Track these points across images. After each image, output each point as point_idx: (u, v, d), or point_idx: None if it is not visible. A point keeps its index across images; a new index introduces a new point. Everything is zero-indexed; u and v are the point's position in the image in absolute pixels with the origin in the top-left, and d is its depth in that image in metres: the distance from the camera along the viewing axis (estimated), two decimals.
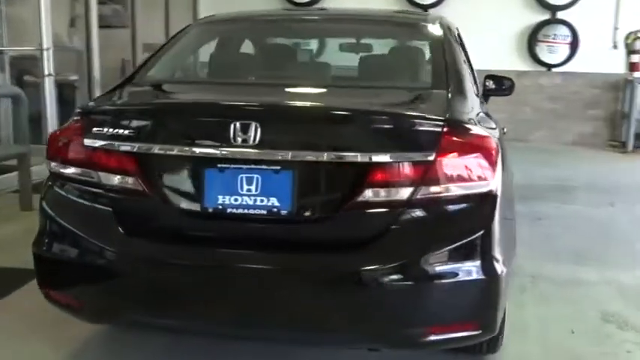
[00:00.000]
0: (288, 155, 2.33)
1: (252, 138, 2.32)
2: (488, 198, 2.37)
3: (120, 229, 2.45)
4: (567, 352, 3.18)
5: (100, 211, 2.50)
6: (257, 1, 9.10)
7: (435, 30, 3.33)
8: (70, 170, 2.56)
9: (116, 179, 2.47)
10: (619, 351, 3.19)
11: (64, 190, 2.60)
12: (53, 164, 2.62)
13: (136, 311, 2.50)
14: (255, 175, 2.36)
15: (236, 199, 2.37)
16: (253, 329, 2.42)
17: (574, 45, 9.19)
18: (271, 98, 2.69)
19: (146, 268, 2.43)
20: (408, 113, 2.52)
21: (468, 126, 2.41)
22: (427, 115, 2.41)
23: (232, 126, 2.33)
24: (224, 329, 2.48)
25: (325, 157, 2.33)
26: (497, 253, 2.37)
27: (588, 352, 3.18)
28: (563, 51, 9.25)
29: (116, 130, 2.47)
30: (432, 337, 2.38)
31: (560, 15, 9.23)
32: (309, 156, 2.34)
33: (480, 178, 2.34)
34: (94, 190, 2.51)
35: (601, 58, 9.15)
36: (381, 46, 3.85)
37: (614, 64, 9.20)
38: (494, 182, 2.36)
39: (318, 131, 2.40)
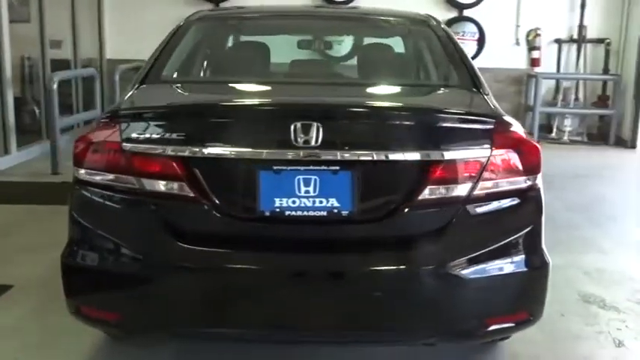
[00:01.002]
0: (349, 155, 2.33)
1: (313, 139, 2.30)
2: (536, 191, 2.49)
3: (168, 236, 2.36)
4: (566, 332, 3.40)
5: (143, 218, 2.40)
6: None
7: (442, 29, 3.43)
8: (105, 177, 2.43)
9: (162, 185, 2.38)
10: (610, 329, 3.46)
11: (99, 198, 2.46)
12: (82, 171, 2.46)
13: (185, 322, 2.42)
14: (313, 177, 2.35)
15: (294, 202, 2.35)
16: (317, 332, 2.41)
17: (481, 41, 9.66)
18: (330, 98, 2.67)
19: (200, 276, 2.36)
20: (464, 112, 2.59)
21: (513, 123, 2.52)
22: (481, 114, 2.50)
23: (293, 127, 2.30)
24: (286, 335, 2.46)
25: (384, 156, 2.35)
26: (544, 243, 2.50)
27: (585, 331, 3.44)
28: (471, 47, 9.70)
29: (161, 134, 2.36)
30: (490, 328, 2.48)
31: (467, 13, 9.67)
32: (369, 156, 2.35)
33: (528, 172, 2.46)
34: (135, 196, 2.39)
35: (505, 54, 9.69)
36: (397, 44, 3.89)
37: (517, 59, 9.79)
38: (539, 175, 2.48)
39: (377, 130, 2.43)
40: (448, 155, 2.36)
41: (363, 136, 2.40)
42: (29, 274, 4.03)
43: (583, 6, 9.47)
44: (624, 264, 4.47)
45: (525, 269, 2.45)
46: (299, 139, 2.31)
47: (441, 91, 3.00)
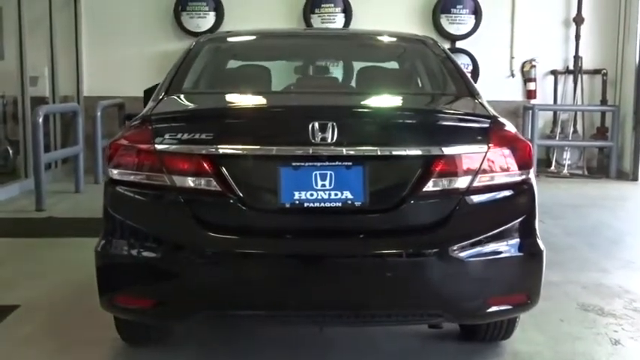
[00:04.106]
0: (361, 152, 2.90)
1: (329, 137, 2.85)
2: (529, 184, 3.06)
3: (198, 227, 2.88)
4: (567, 335, 3.92)
5: (175, 211, 2.92)
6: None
7: (440, 47, 4.07)
8: (138, 175, 2.95)
9: (192, 181, 2.90)
10: (608, 331, 3.99)
11: (133, 195, 2.98)
12: (117, 171, 2.99)
13: (215, 305, 2.92)
14: (329, 172, 2.90)
15: (312, 194, 2.89)
16: (332, 312, 2.92)
17: (475, 73, 10.36)
18: (343, 101, 3.24)
19: (228, 262, 2.88)
20: (463, 112, 3.18)
21: (506, 123, 3.10)
22: (478, 114, 3.08)
23: (311, 126, 2.85)
24: (305, 314, 2.96)
25: (392, 152, 2.92)
26: (537, 231, 3.05)
27: (584, 333, 3.95)
28: None
29: (192, 134, 2.90)
30: (492, 309, 3.01)
31: (459, 44, 10.41)
32: (379, 152, 2.92)
33: (521, 167, 3.03)
34: (167, 192, 2.92)
35: (500, 86, 10.39)
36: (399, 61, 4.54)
37: (513, 91, 10.50)
38: (532, 170, 3.06)
39: (386, 129, 3.01)
40: (449, 151, 2.93)
41: (373, 135, 2.98)
42: (34, 295, 4.49)
43: (578, 37, 10.25)
44: (622, 280, 5.01)
45: (522, 254, 2.99)
46: (317, 137, 2.86)
47: (441, 98, 3.60)
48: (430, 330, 3.54)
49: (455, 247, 2.87)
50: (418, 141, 2.96)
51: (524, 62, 10.46)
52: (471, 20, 10.31)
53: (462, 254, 2.88)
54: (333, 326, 3.48)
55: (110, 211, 3.02)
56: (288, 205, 2.89)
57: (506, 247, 2.97)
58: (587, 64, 10.37)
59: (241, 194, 2.89)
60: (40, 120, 7.22)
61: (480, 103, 3.39)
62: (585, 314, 4.26)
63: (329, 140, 2.87)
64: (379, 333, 3.80)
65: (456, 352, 3.68)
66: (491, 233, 2.94)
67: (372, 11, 10.14)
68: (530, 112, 10.07)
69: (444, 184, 2.93)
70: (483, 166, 2.95)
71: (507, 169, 3.00)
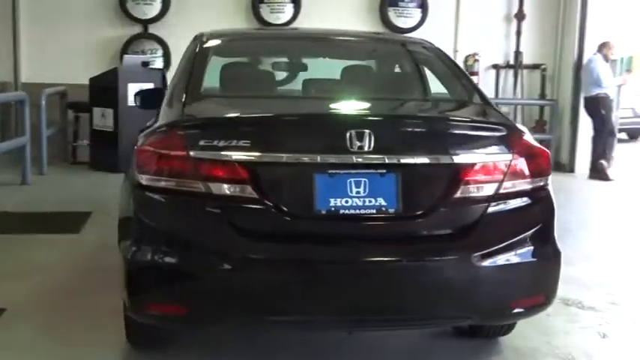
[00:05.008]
0: (395, 159, 2.97)
1: (367, 145, 2.92)
2: (548, 190, 3.21)
3: (234, 233, 2.90)
4: (557, 329, 4.13)
5: (210, 218, 2.93)
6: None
7: (442, 52, 4.16)
8: (171, 182, 2.94)
9: (228, 188, 2.91)
10: (593, 325, 4.23)
11: (165, 201, 2.97)
12: (147, 176, 2.96)
13: (249, 311, 2.95)
14: (363, 179, 2.97)
15: (347, 201, 2.94)
16: (368, 317, 3.00)
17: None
18: (377, 109, 3.30)
19: (264, 269, 2.91)
20: (489, 121, 3.29)
21: (525, 131, 3.24)
22: (503, 123, 3.21)
23: (348, 134, 2.91)
24: (340, 320, 3.02)
25: (425, 159, 3.01)
26: (556, 235, 3.22)
27: (570, 327, 4.18)
28: None
29: (228, 141, 2.90)
30: (515, 310, 3.16)
31: None
32: (411, 159, 3.01)
33: (541, 174, 3.18)
34: (202, 199, 2.92)
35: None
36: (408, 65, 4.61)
37: None
38: (550, 177, 3.21)
39: (418, 137, 3.09)
40: (477, 158, 3.06)
41: (407, 143, 3.07)
42: (17, 299, 4.36)
43: (519, 32, 10.62)
44: (590, 273, 5.26)
45: (544, 257, 3.15)
46: (354, 145, 2.92)
47: (463, 106, 3.70)
48: (435, 329, 3.68)
49: (485, 252, 2.99)
50: (449, 149, 3.06)
51: (468, 56, 10.74)
52: (417, 14, 10.51)
53: (492, 259, 3.00)
54: (366, 331, 3.55)
55: (142, 217, 3.00)
56: (324, 212, 2.94)
57: (531, 251, 3.11)
58: (527, 59, 10.76)
59: (277, 201, 2.92)
60: None
61: (496, 110, 3.52)
62: (567, 308, 4.48)
63: (366, 148, 2.93)
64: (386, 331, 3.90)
65: (461, 350, 3.82)
66: (517, 238, 3.07)
67: (321, 2, 10.19)
68: None
69: (472, 190, 3.04)
70: (508, 173, 3.08)
71: (529, 176, 3.13)
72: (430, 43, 4.41)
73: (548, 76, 10.74)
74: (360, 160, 2.94)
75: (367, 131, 2.94)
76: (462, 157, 3.05)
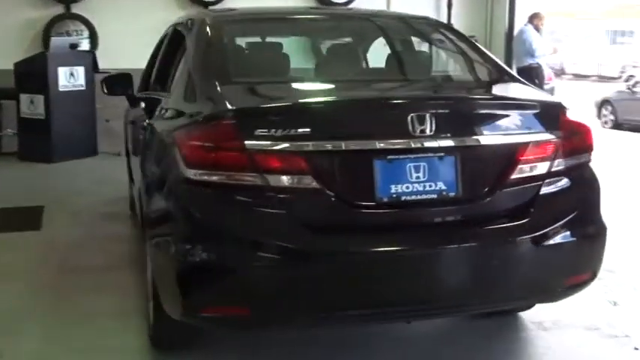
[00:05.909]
0: (455, 142, 2.89)
1: (428, 129, 2.83)
2: (591, 167, 3.22)
3: (297, 226, 2.75)
4: (569, 300, 4.17)
5: (270, 212, 2.77)
6: None
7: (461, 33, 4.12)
8: (225, 175, 2.75)
9: (287, 179, 2.76)
10: (600, 293, 4.32)
11: (220, 197, 2.79)
12: (196, 171, 2.77)
13: (321, 308, 2.82)
14: (422, 163, 2.88)
15: (407, 187, 2.85)
16: (438, 304, 2.94)
17: None
18: (433, 91, 3.19)
19: (332, 262, 2.78)
20: (536, 99, 3.26)
21: (569, 107, 3.24)
22: (549, 101, 3.19)
23: (410, 118, 2.81)
24: (411, 309, 2.94)
25: (482, 141, 2.96)
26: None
27: (582, 297, 4.10)
28: None
29: (285, 130, 2.74)
30: (566, 287, 3.17)
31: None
32: (469, 141, 2.95)
33: (587, 149, 3.20)
34: (263, 192, 2.75)
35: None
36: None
37: None
38: (592, 153, 3.23)
39: (476, 118, 3.03)
40: (531, 138, 3.03)
41: (465, 124, 2.99)
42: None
43: (450, 5, 10.71)
44: None
45: (594, 233, 3.17)
46: (416, 129, 2.82)
47: (502, 84, 3.65)
48: None
49: (543, 232, 2.98)
50: (503, 128, 3.02)
51: None
52: None
53: (549, 237, 3.00)
54: (429, 318, 3.49)
55: (193, 214, 2.80)
56: (386, 200, 2.84)
57: (583, 227, 3.13)
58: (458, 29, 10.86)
59: (338, 190, 2.80)
60: None
61: (538, 89, 3.51)
62: None
63: (427, 132, 2.84)
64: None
65: (486, 328, 3.81)
66: (571, 215, 3.07)
67: None
68: None
69: (528, 170, 3.01)
70: (559, 151, 3.07)
71: (577, 153, 3.14)
72: (445, 23, 4.35)
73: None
74: (419, 144, 2.85)
75: (429, 114, 2.85)
76: (515, 137, 3.02)
